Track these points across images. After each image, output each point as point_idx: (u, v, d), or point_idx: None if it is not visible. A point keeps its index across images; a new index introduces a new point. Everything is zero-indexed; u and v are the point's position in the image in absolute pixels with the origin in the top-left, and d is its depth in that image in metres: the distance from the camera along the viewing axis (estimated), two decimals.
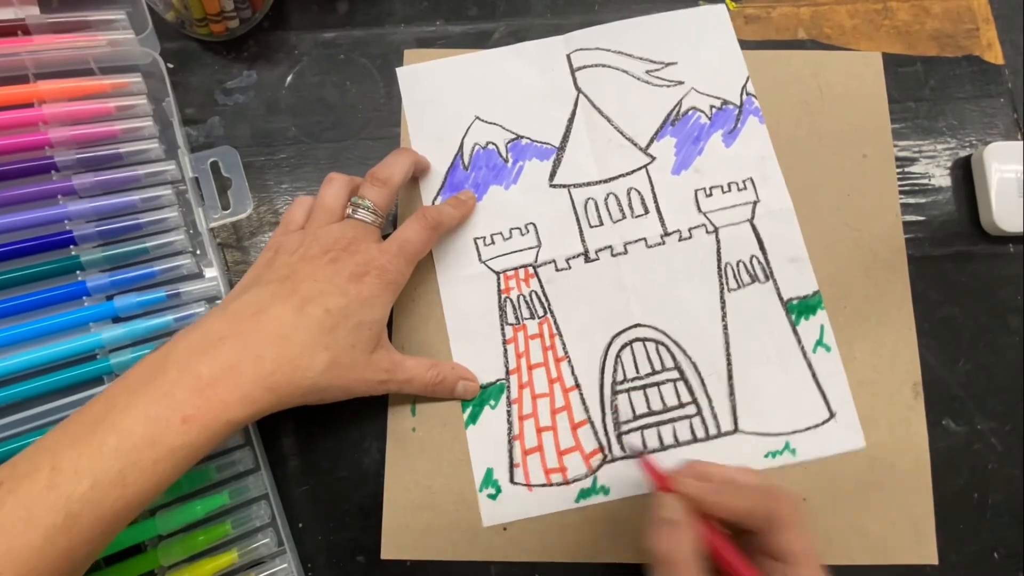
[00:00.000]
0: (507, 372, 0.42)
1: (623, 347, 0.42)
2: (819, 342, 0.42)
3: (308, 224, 0.39)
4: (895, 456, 0.40)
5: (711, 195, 0.44)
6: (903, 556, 0.39)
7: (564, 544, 0.40)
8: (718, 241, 0.43)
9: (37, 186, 0.41)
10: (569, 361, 0.42)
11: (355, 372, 0.36)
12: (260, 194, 0.45)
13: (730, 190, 0.44)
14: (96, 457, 0.28)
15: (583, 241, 0.44)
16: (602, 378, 0.42)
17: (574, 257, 0.44)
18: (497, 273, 0.43)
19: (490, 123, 0.46)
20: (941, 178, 0.46)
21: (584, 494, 0.40)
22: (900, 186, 0.45)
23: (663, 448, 0.41)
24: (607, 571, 0.40)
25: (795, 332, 0.42)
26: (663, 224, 0.44)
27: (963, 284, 0.44)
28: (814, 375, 0.41)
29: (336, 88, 0.47)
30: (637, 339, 0.42)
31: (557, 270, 0.43)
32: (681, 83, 0.46)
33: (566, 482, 0.40)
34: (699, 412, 0.41)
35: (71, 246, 0.41)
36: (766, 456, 0.40)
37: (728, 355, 0.42)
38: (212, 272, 0.42)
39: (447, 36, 0.48)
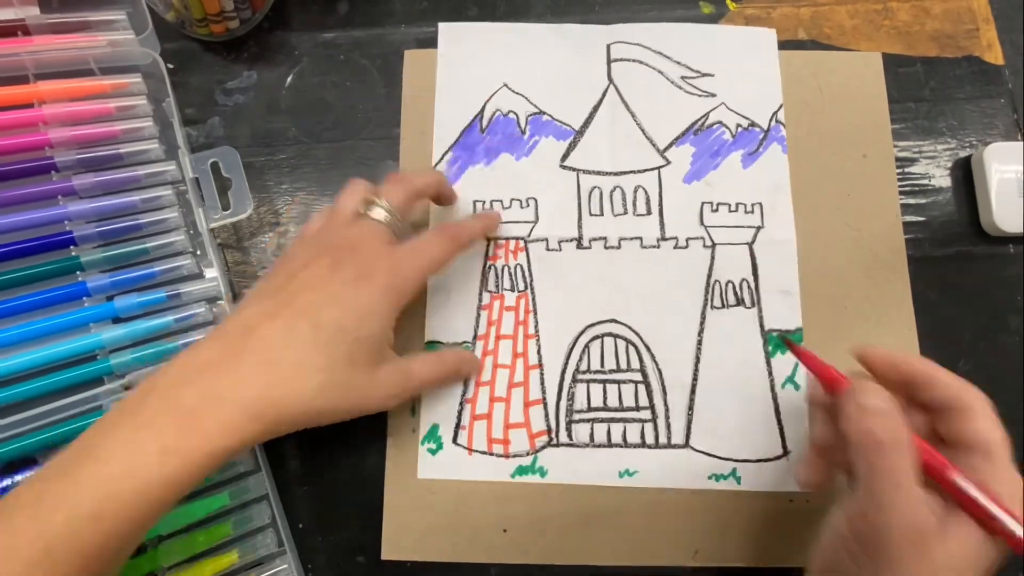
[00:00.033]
0: (475, 337, 0.42)
1: (594, 339, 0.42)
2: (790, 379, 0.42)
3: (320, 229, 0.38)
4: None
5: (717, 211, 0.44)
6: None
7: (564, 547, 0.40)
8: (713, 257, 0.43)
9: (37, 186, 0.41)
10: (538, 340, 0.42)
11: (356, 392, 0.33)
12: (260, 194, 0.45)
13: (737, 210, 0.44)
14: (72, 488, 0.28)
15: (580, 227, 0.44)
16: (566, 363, 0.42)
17: (567, 240, 0.44)
18: (488, 239, 0.44)
19: (516, 93, 0.46)
20: (941, 178, 0.46)
21: (521, 471, 0.41)
22: (900, 186, 0.45)
23: (609, 445, 0.41)
24: (606, 574, 0.40)
25: (768, 364, 0.42)
26: (662, 228, 0.44)
27: (963, 284, 0.44)
28: (777, 410, 0.41)
29: (336, 88, 0.47)
30: (609, 334, 0.42)
31: (547, 249, 0.44)
32: (713, 95, 0.46)
33: (506, 455, 0.41)
34: (653, 419, 0.41)
35: (71, 247, 0.41)
36: (710, 478, 0.40)
37: (696, 370, 0.42)
38: (212, 272, 0.42)
39: None
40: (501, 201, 0.44)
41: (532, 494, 0.40)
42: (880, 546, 0.28)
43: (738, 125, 0.46)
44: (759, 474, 0.40)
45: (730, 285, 0.43)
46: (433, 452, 0.41)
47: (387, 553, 0.40)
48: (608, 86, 0.46)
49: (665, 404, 0.42)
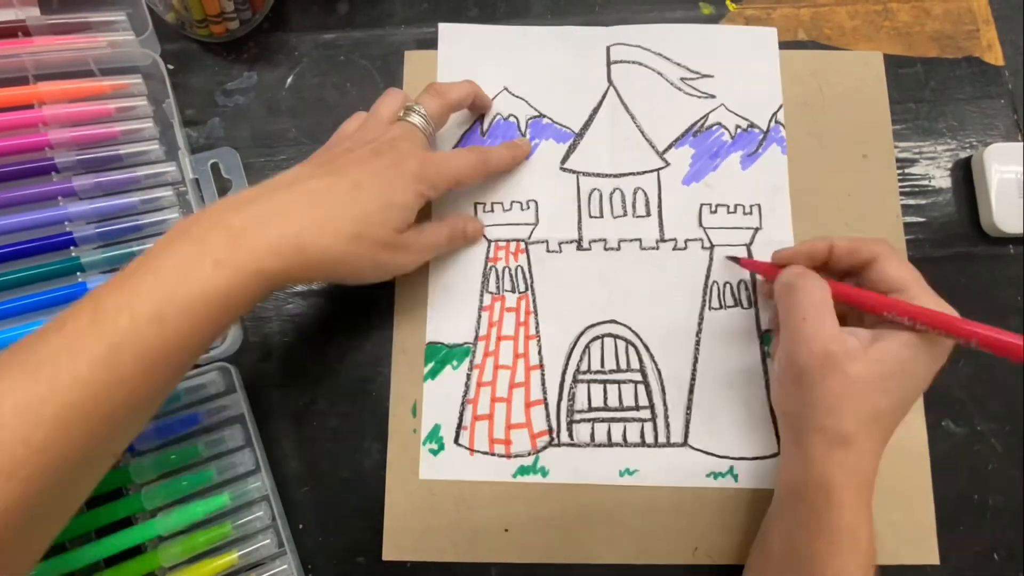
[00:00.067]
0: (476, 337, 0.43)
1: (594, 339, 0.42)
2: None
3: (359, 128, 0.40)
4: (895, 457, 0.40)
5: (716, 212, 0.44)
6: (905, 556, 0.40)
7: (564, 545, 0.40)
8: (711, 258, 0.43)
9: (37, 187, 0.41)
10: (539, 341, 0.43)
11: (388, 250, 0.36)
12: None
13: (735, 212, 0.44)
14: (133, 296, 0.28)
15: (580, 229, 0.44)
16: (567, 364, 0.42)
17: (567, 242, 0.44)
18: (489, 241, 0.44)
19: (517, 96, 0.46)
20: (941, 179, 0.46)
21: (523, 471, 0.41)
22: (900, 187, 0.45)
23: (610, 444, 0.41)
24: (607, 572, 0.40)
25: (765, 364, 0.42)
26: (661, 230, 0.44)
27: (963, 285, 0.44)
28: (773, 409, 0.41)
29: (336, 89, 0.47)
30: (609, 335, 0.42)
31: (548, 251, 0.44)
32: (713, 96, 0.46)
33: (508, 455, 0.41)
34: (653, 418, 0.41)
35: (71, 247, 0.41)
36: (708, 475, 0.41)
37: (694, 370, 0.42)
38: None
39: None
40: (502, 204, 0.44)
41: (533, 494, 0.40)
42: (801, 371, 0.34)
43: (737, 126, 0.46)
44: (756, 471, 0.41)
45: (728, 286, 0.43)
46: (435, 453, 0.41)
47: (388, 553, 0.40)
48: (608, 88, 0.46)
49: (664, 404, 0.42)
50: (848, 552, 0.32)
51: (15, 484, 0.25)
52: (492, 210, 0.44)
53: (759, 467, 0.41)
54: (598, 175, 0.45)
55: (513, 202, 0.44)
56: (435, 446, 0.41)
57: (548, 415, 0.42)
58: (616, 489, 0.40)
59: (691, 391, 0.42)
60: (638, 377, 0.42)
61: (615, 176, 0.45)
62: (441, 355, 0.42)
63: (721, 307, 0.43)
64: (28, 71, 0.43)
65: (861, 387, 0.32)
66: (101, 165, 0.42)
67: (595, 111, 0.46)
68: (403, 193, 0.36)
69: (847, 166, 0.45)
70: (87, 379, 0.27)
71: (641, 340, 0.42)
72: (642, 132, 0.45)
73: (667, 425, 0.41)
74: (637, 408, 0.42)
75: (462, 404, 0.42)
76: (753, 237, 0.44)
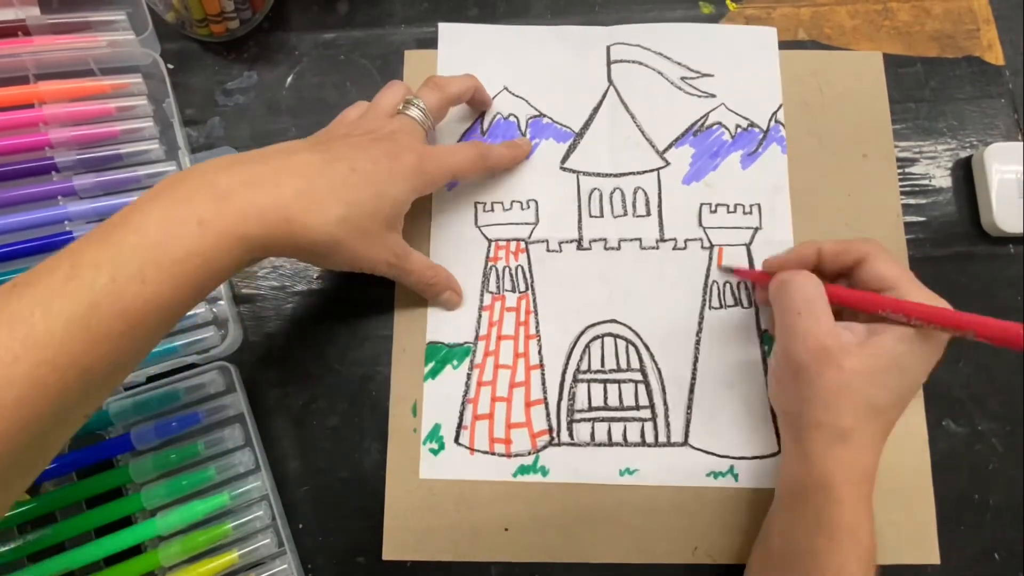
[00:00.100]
0: (476, 337, 0.43)
1: (594, 339, 0.42)
2: None
3: (360, 117, 0.40)
4: (896, 456, 0.40)
5: (716, 212, 0.44)
6: (905, 556, 0.40)
7: (565, 544, 0.40)
8: (711, 258, 0.43)
9: (37, 187, 0.41)
10: (539, 340, 0.42)
11: (367, 241, 0.35)
12: None
13: (735, 211, 0.44)
14: (116, 252, 0.28)
15: (580, 228, 0.44)
16: (567, 363, 0.42)
17: (568, 242, 0.44)
18: (489, 241, 0.44)
19: (517, 96, 0.46)
20: (941, 179, 0.46)
21: (523, 470, 0.41)
22: (900, 186, 0.45)
23: (610, 444, 0.41)
24: (607, 572, 0.40)
25: (765, 363, 0.42)
26: (661, 229, 0.44)
27: (964, 285, 0.44)
28: (772, 409, 0.41)
29: (336, 89, 0.47)
30: (609, 334, 0.42)
31: (548, 251, 0.44)
32: (713, 96, 0.46)
33: (508, 455, 0.41)
34: (653, 418, 0.41)
35: None
36: (708, 475, 0.41)
37: (694, 370, 0.42)
38: None
39: None
40: (502, 203, 0.44)
41: (533, 493, 0.40)
42: (797, 367, 0.34)
43: (737, 126, 0.46)
44: (756, 471, 0.41)
45: (728, 286, 0.43)
46: (435, 452, 0.41)
47: (388, 553, 0.40)
48: (608, 88, 0.46)
49: (664, 403, 0.42)
50: (848, 549, 0.32)
51: None
52: (492, 209, 0.44)
53: (759, 466, 0.41)
54: (598, 175, 0.45)
55: (513, 202, 0.44)
56: (435, 445, 0.41)
57: (548, 415, 0.42)
58: (616, 488, 0.40)
59: (691, 390, 0.42)
60: (638, 377, 0.42)
61: (615, 176, 0.45)
62: (441, 355, 0.42)
63: (721, 306, 0.43)
64: (28, 70, 0.43)
65: (857, 381, 0.32)
66: (101, 164, 0.43)
67: (595, 111, 0.46)
68: (397, 185, 0.36)
69: (847, 166, 0.45)
70: (63, 337, 0.26)
71: (641, 339, 0.42)
72: (642, 131, 0.45)
73: (667, 424, 0.41)
74: (637, 408, 0.42)
75: (462, 404, 0.42)
76: (753, 237, 0.44)
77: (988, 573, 0.40)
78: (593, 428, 0.41)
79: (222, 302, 0.41)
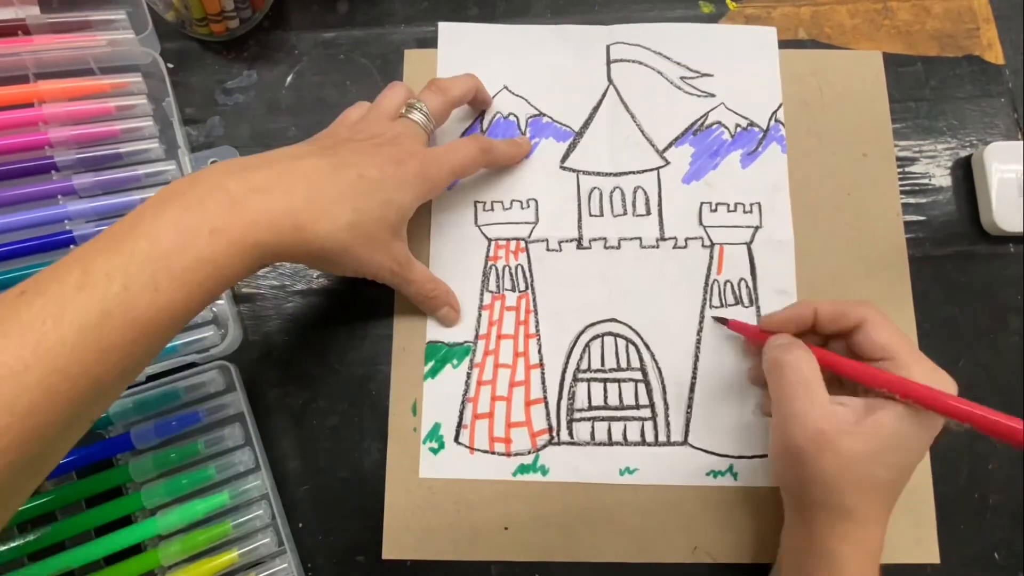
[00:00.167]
0: (476, 336, 0.43)
1: (594, 338, 0.42)
2: None
3: (363, 119, 0.40)
4: None
5: (716, 211, 0.44)
6: (905, 555, 0.40)
7: (564, 543, 0.40)
8: (711, 257, 0.43)
9: (37, 186, 0.41)
10: (539, 339, 0.43)
11: (372, 247, 0.35)
12: None
13: (736, 210, 0.44)
14: (128, 261, 0.27)
15: (580, 227, 0.44)
16: (567, 363, 0.42)
17: (567, 241, 0.44)
18: (489, 240, 0.44)
19: (516, 95, 0.46)
20: (941, 178, 0.46)
21: (523, 469, 0.41)
22: (900, 186, 0.45)
23: (610, 443, 0.41)
24: (607, 571, 0.40)
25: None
26: (661, 228, 0.44)
27: (963, 284, 0.44)
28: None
29: (336, 88, 0.47)
30: (609, 333, 0.43)
31: (548, 250, 0.44)
32: (712, 95, 0.46)
33: (508, 454, 0.41)
34: (653, 417, 0.41)
35: (71, 246, 0.41)
36: (708, 474, 0.41)
37: (694, 369, 0.42)
38: None
39: None
40: (502, 202, 0.44)
41: (533, 492, 0.40)
42: (796, 451, 0.33)
43: (737, 125, 0.46)
44: (755, 470, 0.41)
45: (728, 285, 0.43)
46: (435, 451, 0.41)
47: (388, 552, 0.40)
48: (608, 87, 0.46)
49: (664, 402, 0.42)
50: None
51: None
52: (492, 209, 0.44)
53: (759, 466, 0.41)
54: (598, 174, 0.45)
55: (513, 201, 0.44)
56: (435, 445, 0.41)
57: (548, 414, 0.42)
58: (616, 488, 0.40)
59: (691, 390, 0.42)
60: (638, 376, 0.42)
61: (615, 175, 0.45)
62: (441, 354, 0.42)
63: (722, 306, 0.43)
64: (28, 69, 0.43)
65: (858, 463, 0.32)
66: (101, 163, 0.42)
67: (595, 110, 0.46)
68: (403, 192, 0.36)
69: (847, 165, 0.45)
70: (74, 346, 0.26)
71: (641, 339, 0.42)
72: (642, 131, 0.45)
73: (667, 424, 0.41)
74: (637, 407, 0.42)
75: (462, 403, 0.42)
76: (753, 235, 0.44)
77: (988, 573, 0.40)
78: (593, 427, 0.41)
79: (222, 302, 0.41)
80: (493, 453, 0.41)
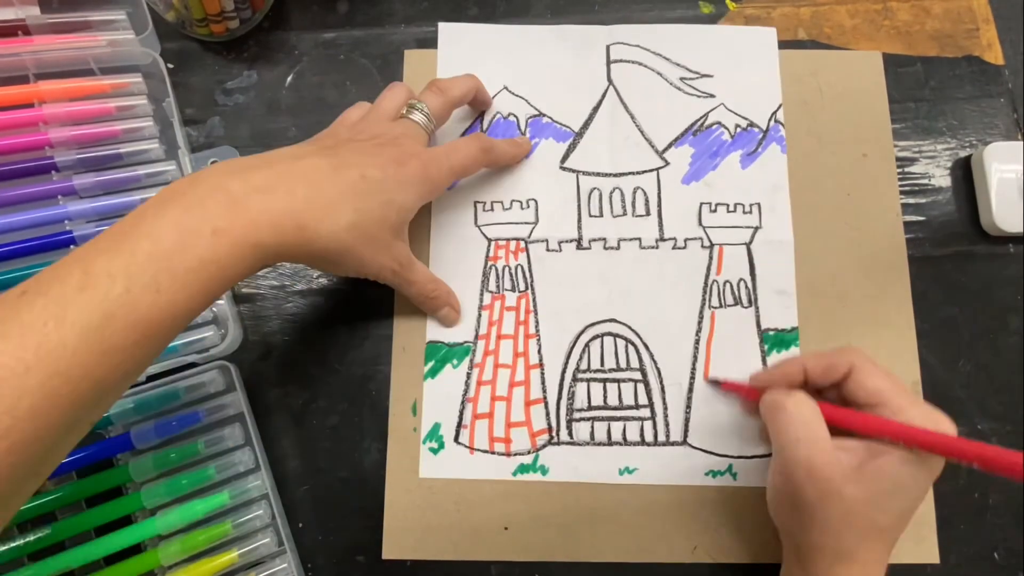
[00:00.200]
0: (476, 336, 0.43)
1: (594, 338, 0.43)
2: None
3: (363, 119, 0.40)
4: None
5: (715, 211, 0.44)
6: (905, 555, 0.40)
7: (564, 543, 0.40)
8: (711, 258, 0.44)
9: (37, 186, 0.41)
10: (538, 340, 0.43)
11: (373, 248, 0.35)
12: None
13: (735, 211, 0.44)
14: (129, 261, 0.27)
15: (579, 228, 0.44)
16: (566, 363, 0.42)
17: (567, 241, 0.44)
18: (489, 240, 0.44)
19: (516, 96, 0.46)
20: (941, 178, 0.46)
21: (523, 469, 0.41)
22: (900, 186, 0.45)
23: (609, 443, 0.41)
24: (607, 571, 0.40)
25: (764, 363, 0.42)
26: (661, 229, 0.44)
27: (963, 284, 0.44)
28: None
29: (336, 88, 0.47)
30: (609, 333, 0.43)
31: (548, 250, 0.44)
32: (712, 96, 0.46)
33: (508, 454, 0.41)
34: (652, 417, 0.42)
35: (71, 246, 0.41)
36: (707, 474, 0.41)
37: (693, 369, 0.42)
38: None
39: None
40: (502, 202, 0.44)
41: (533, 492, 0.41)
42: (797, 496, 0.32)
43: (737, 125, 0.46)
44: (755, 470, 0.41)
45: (728, 285, 0.43)
46: (435, 451, 0.41)
47: (388, 552, 0.40)
48: (607, 87, 0.46)
49: (664, 402, 0.42)
50: None
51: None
52: (492, 209, 0.44)
53: (758, 465, 0.41)
54: (598, 174, 0.45)
55: (513, 201, 0.44)
56: (435, 445, 0.41)
57: (548, 414, 0.42)
58: (615, 488, 0.40)
59: (690, 390, 0.42)
60: (638, 376, 0.42)
61: (615, 175, 0.45)
62: (441, 354, 0.42)
63: (721, 306, 0.43)
64: (28, 70, 0.43)
65: (859, 507, 0.31)
66: (101, 164, 0.43)
67: (595, 110, 0.46)
68: (404, 193, 0.36)
69: (847, 165, 0.45)
70: (76, 348, 0.26)
71: (641, 339, 0.42)
72: (642, 131, 0.46)
73: (666, 424, 0.41)
74: (637, 407, 0.42)
75: (462, 403, 0.42)
76: (753, 236, 0.44)
77: (988, 573, 0.40)
78: (592, 427, 0.41)
79: (222, 302, 0.41)
80: (493, 453, 0.41)
